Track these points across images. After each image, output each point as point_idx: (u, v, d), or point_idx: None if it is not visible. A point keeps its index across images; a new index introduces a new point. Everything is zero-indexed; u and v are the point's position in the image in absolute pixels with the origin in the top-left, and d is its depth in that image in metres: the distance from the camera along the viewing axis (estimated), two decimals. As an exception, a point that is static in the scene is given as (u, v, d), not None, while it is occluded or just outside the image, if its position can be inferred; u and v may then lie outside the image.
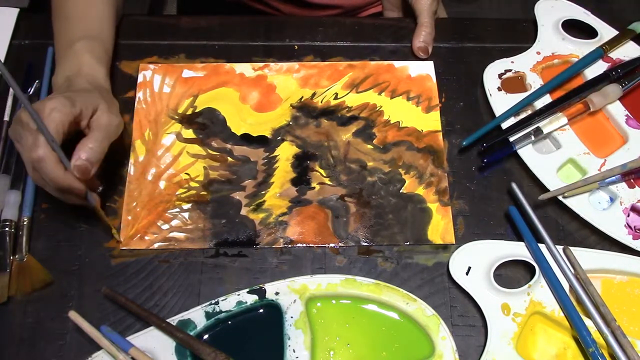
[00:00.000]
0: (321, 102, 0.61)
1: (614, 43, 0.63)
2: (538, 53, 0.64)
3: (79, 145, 0.49)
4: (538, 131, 0.58)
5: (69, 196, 0.50)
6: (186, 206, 0.56)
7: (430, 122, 0.61)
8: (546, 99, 0.61)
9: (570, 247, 0.53)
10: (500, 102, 0.61)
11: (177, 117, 0.60)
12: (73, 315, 0.49)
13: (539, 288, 0.52)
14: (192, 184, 0.57)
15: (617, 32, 0.65)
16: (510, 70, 0.63)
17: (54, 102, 0.48)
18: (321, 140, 0.60)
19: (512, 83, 0.62)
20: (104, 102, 0.51)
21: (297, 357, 0.49)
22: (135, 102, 0.60)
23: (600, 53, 0.63)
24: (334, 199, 0.57)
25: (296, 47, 0.65)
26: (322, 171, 0.58)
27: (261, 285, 0.51)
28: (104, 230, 0.54)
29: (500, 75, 0.62)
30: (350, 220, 0.56)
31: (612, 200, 0.57)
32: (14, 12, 0.65)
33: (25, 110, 0.47)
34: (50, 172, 0.47)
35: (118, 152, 0.57)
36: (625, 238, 0.54)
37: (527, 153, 0.58)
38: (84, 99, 0.50)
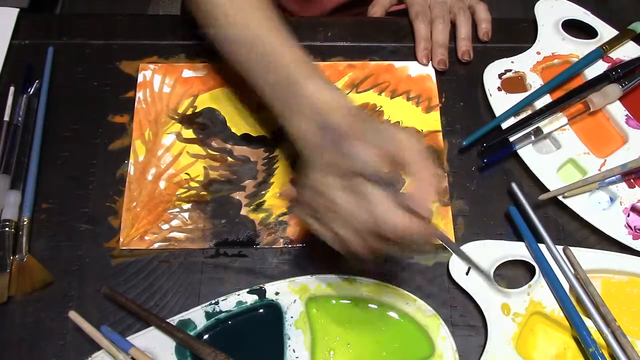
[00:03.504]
0: (321, 102, 0.61)
1: (614, 43, 0.63)
2: (538, 53, 0.64)
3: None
4: (538, 131, 0.58)
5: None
6: (186, 206, 0.56)
7: (430, 122, 0.61)
8: (546, 99, 0.61)
9: (570, 247, 0.53)
10: (500, 102, 0.61)
11: (177, 117, 0.60)
12: (73, 315, 0.49)
13: (539, 288, 0.52)
14: (192, 184, 0.57)
15: (617, 32, 0.64)
16: (510, 70, 0.63)
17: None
18: (321, 140, 0.60)
19: (512, 83, 0.62)
20: None
21: (297, 357, 0.49)
22: (135, 102, 0.60)
23: (600, 53, 0.63)
24: (334, 199, 0.57)
25: (296, 47, 0.64)
26: (322, 171, 0.58)
27: (261, 285, 0.51)
28: (108, 230, 0.54)
29: (500, 75, 0.62)
30: (350, 220, 0.56)
31: (612, 200, 0.57)
32: (14, 12, 0.64)
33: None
34: (420, 229, 0.39)
35: (118, 152, 0.57)
36: (625, 238, 0.54)
37: (527, 153, 0.58)
38: None
